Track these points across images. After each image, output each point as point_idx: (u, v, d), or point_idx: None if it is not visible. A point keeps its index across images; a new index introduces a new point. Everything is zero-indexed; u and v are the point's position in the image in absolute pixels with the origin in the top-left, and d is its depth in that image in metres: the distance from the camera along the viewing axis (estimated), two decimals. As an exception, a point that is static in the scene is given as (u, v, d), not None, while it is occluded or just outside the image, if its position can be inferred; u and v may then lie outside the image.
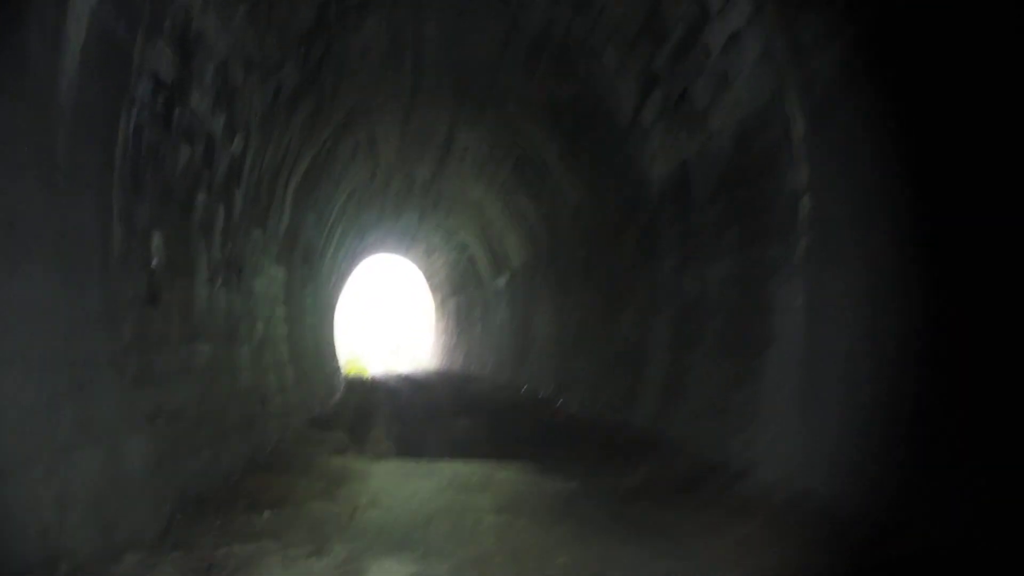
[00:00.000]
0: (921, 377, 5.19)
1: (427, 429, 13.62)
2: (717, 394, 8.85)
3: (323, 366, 18.80)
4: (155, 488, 5.91)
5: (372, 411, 16.78)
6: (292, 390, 12.86)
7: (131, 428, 5.82)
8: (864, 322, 6.11)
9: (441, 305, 39.55)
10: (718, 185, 9.28)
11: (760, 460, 7.19)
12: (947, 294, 5.02)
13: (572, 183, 15.28)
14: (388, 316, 60.38)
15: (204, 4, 7.30)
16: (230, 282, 9.52)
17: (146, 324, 6.60)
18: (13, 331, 4.40)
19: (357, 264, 32.71)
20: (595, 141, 13.27)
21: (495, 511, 6.50)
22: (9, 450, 4.27)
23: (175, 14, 6.75)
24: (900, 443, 5.26)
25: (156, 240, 7.01)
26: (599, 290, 14.57)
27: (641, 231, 12.13)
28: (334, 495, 7.16)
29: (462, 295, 33.34)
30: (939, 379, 5.01)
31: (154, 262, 6.97)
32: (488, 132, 16.51)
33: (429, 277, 39.53)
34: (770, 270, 7.83)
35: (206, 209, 8.47)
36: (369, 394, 21.50)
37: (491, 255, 25.64)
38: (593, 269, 15.11)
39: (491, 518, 6.23)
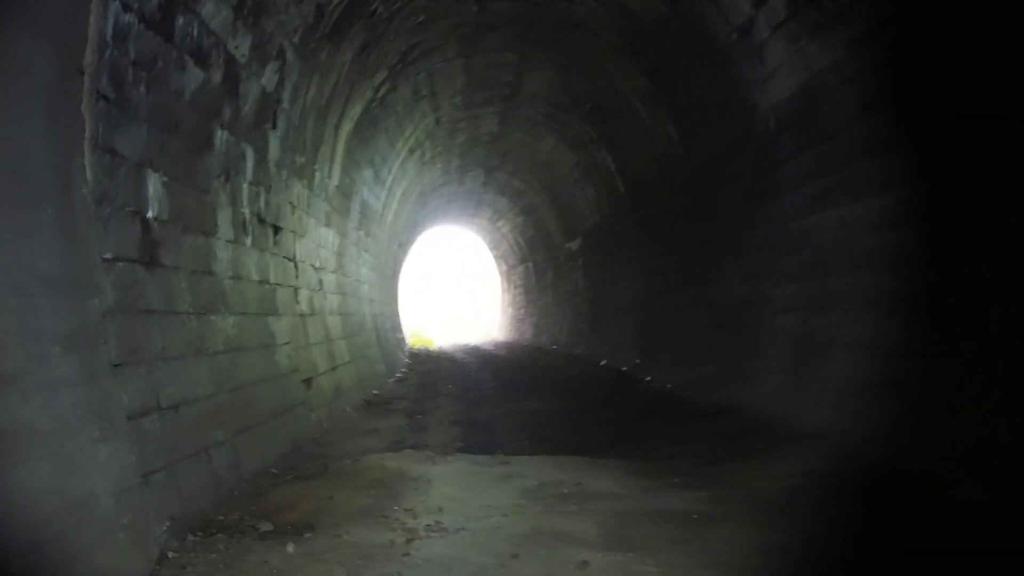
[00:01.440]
0: None
1: (498, 413, 11.94)
2: (877, 368, 6.98)
3: (384, 340, 17.25)
4: (136, 515, 4.27)
5: (436, 389, 15.17)
6: (345, 368, 11.29)
7: (103, 431, 4.19)
8: None
9: (507, 275, 37.88)
10: (865, 103, 7.36)
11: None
12: None
13: (658, 125, 13.37)
14: (454, 287, 59.00)
15: None
16: (263, 243, 7.91)
17: (135, 291, 4.98)
18: None
19: (420, 233, 31.17)
20: (687, 71, 11.36)
21: (602, 546, 4.74)
22: None
23: None
24: None
25: (153, 182, 5.38)
26: (693, 246, 12.69)
27: (750, 170, 10.22)
28: (385, 513, 5.49)
29: (530, 263, 31.58)
30: None
31: (151, 211, 5.34)
32: (559, 73, 14.65)
33: (494, 246, 37.86)
34: (958, 202, 5.93)
35: (229, 151, 6.83)
36: (433, 369, 19.94)
37: (561, 217, 23.81)
38: (683, 222, 13.23)
39: (599, 559, 4.48)
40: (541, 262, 29.41)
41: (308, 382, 8.79)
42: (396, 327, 22.75)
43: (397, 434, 9.49)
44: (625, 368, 16.37)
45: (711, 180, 11.74)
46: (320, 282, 10.41)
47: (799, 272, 8.76)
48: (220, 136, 6.52)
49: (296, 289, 8.93)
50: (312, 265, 10.02)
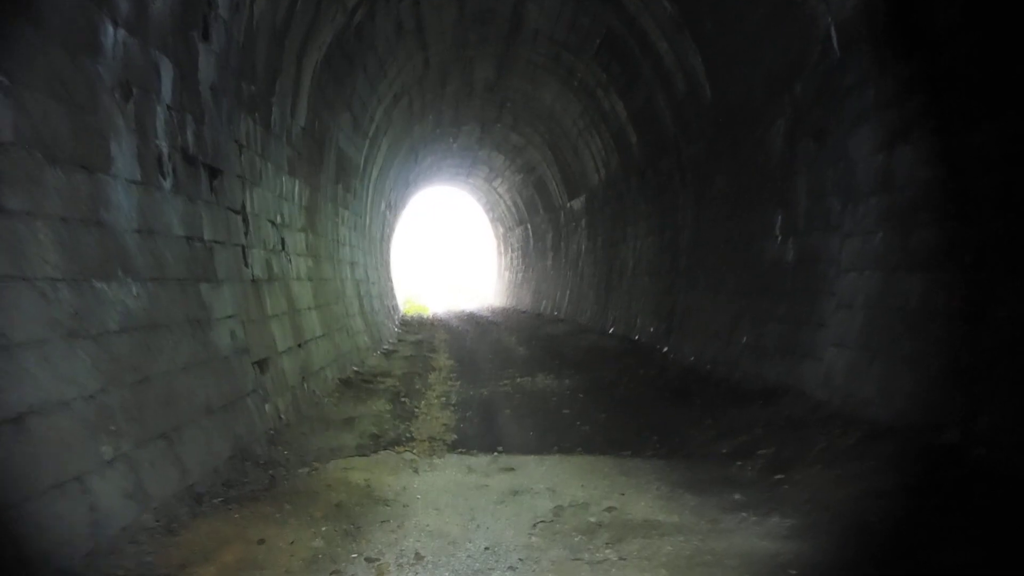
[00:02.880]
0: None
1: (498, 392, 10.24)
2: (983, 345, 5.24)
3: (370, 308, 15.50)
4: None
5: (427, 363, 13.46)
6: (317, 344, 9.56)
7: None
8: None
9: (504, 238, 36.10)
10: (970, 8, 5.58)
11: None
12: None
13: (678, 62, 11.55)
14: (449, 252, 57.30)
15: None
16: (193, 189, 6.13)
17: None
18: None
19: (412, 194, 29.34)
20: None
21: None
22: None
23: None
24: None
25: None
26: (725, 198, 10.92)
27: (804, 104, 8.44)
28: (338, 567, 3.78)
29: (528, 225, 29.80)
30: None
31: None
32: (565, 1, 12.79)
33: (490, 208, 36.05)
34: None
35: (130, 59, 5.02)
36: (426, 339, 18.23)
37: (564, 174, 21.98)
38: (711, 172, 11.45)
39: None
40: (540, 224, 27.63)
41: (262, 364, 7.05)
42: (386, 294, 21.01)
43: (376, 424, 7.79)
44: (638, 337, 14.66)
45: (747, 121, 9.95)
46: (282, 242, 8.65)
47: (874, 223, 7.00)
48: (112, 35, 4.73)
49: (244, 249, 7.16)
50: (270, 221, 8.24)
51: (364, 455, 6.28)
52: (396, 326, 20.19)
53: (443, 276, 54.40)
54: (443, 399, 9.78)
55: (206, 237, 6.26)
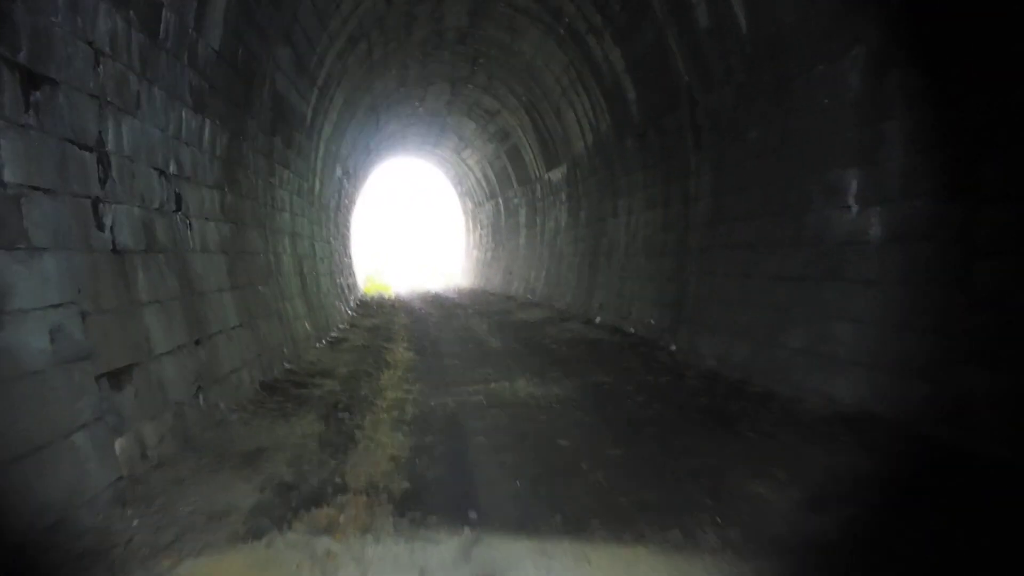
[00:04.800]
0: None
1: (469, 403, 7.87)
2: None
3: (315, 288, 13.07)
4: None
5: (381, 356, 11.09)
6: (229, 337, 7.16)
7: None
8: None
9: (473, 213, 33.70)
10: None
11: None
12: None
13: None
14: (414, 228, 54.80)
15: None
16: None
17: None
18: None
19: (374, 163, 26.83)
20: None
21: None
22: None
23: None
24: None
25: None
26: (760, 157, 8.63)
27: (903, 16, 6.18)
28: None
29: (499, 199, 27.42)
30: None
31: None
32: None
33: (458, 181, 33.62)
34: None
35: None
36: (384, 324, 15.83)
37: (542, 141, 19.62)
38: (742, 124, 9.14)
39: None
40: (513, 198, 25.29)
41: (118, 376, 4.68)
42: (341, 271, 18.56)
43: (294, 460, 5.41)
44: (634, 330, 12.40)
45: (801, 53, 7.66)
46: (177, 199, 6.23)
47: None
48: None
49: (97, 203, 4.77)
50: (157, 168, 5.82)
51: (255, 537, 3.90)
52: (350, 309, 17.76)
53: (408, 254, 51.84)
54: (395, 413, 7.43)
55: (7, 179, 3.86)
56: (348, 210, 22.59)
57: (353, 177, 21.87)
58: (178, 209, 6.33)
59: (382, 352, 11.57)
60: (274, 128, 10.06)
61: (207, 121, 7.15)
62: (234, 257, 7.89)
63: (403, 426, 6.94)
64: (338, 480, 5.16)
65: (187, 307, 6.21)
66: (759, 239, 8.56)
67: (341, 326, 14.34)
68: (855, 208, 6.82)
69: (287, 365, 9.03)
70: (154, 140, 5.86)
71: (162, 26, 5.94)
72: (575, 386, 8.66)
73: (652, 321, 11.70)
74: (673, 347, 10.43)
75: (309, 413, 7.00)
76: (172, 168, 6.24)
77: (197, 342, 6.24)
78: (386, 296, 25.98)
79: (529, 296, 21.46)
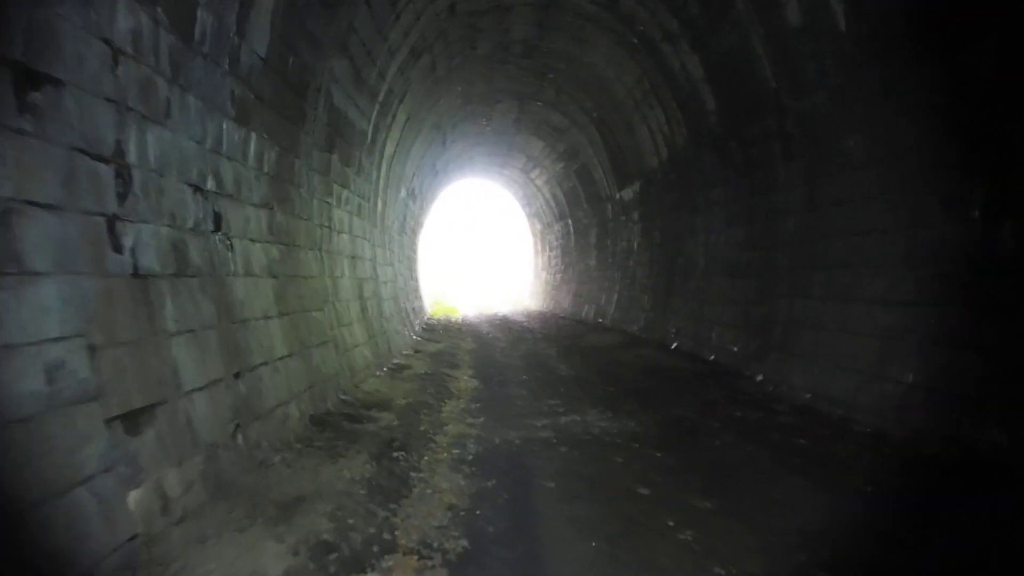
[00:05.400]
0: None
1: (537, 441, 7.14)
2: None
3: (380, 313, 12.50)
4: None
5: (445, 384, 10.46)
6: (276, 368, 6.56)
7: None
8: None
9: (542, 234, 33.04)
10: None
11: None
12: None
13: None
14: (482, 250, 54.39)
15: None
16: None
17: None
18: None
19: (441, 184, 26.34)
20: None
21: None
22: None
23: None
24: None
25: None
26: (863, 167, 7.76)
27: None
28: None
29: (568, 220, 26.71)
30: None
31: None
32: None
33: (527, 203, 33.01)
34: None
35: None
36: (449, 350, 15.21)
37: (613, 159, 18.88)
38: (840, 130, 8.28)
39: None
40: (583, 218, 24.56)
41: (134, 418, 4.06)
42: (406, 295, 18.02)
43: (337, 512, 4.73)
44: (714, 357, 11.56)
45: (914, 46, 6.82)
46: (216, 218, 5.67)
47: None
48: None
49: (114, 221, 4.17)
50: (192, 184, 5.23)
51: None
52: (415, 333, 17.19)
53: (475, 276, 51.40)
54: (455, 451, 6.77)
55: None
56: (414, 232, 22.11)
57: (418, 198, 21.39)
58: (217, 229, 5.76)
59: (445, 380, 10.94)
60: (331, 144, 9.51)
61: (252, 134, 6.59)
62: (284, 281, 7.32)
63: (463, 467, 6.27)
64: (386, 536, 4.50)
65: (225, 336, 5.62)
66: (861, 258, 7.70)
67: (404, 352, 13.75)
68: (982, 222, 5.95)
69: (342, 396, 8.42)
70: (188, 153, 5.30)
71: (197, 28, 5.39)
72: (653, 421, 7.89)
73: (734, 348, 10.85)
74: (759, 377, 9.58)
75: (361, 452, 6.35)
76: (210, 184, 5.67)
77: (237, 375, 5.64)
78: (453, 319, 25.43)
79: (600, 320, 20.69)
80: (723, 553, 4.20)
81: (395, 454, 6.42)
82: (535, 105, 19.26)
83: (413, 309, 19.27)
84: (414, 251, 22.16)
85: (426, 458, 6.48)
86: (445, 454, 6.69)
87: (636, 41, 12.99)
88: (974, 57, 6.02)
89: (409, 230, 20.30)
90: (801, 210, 9.22)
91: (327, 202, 9.55)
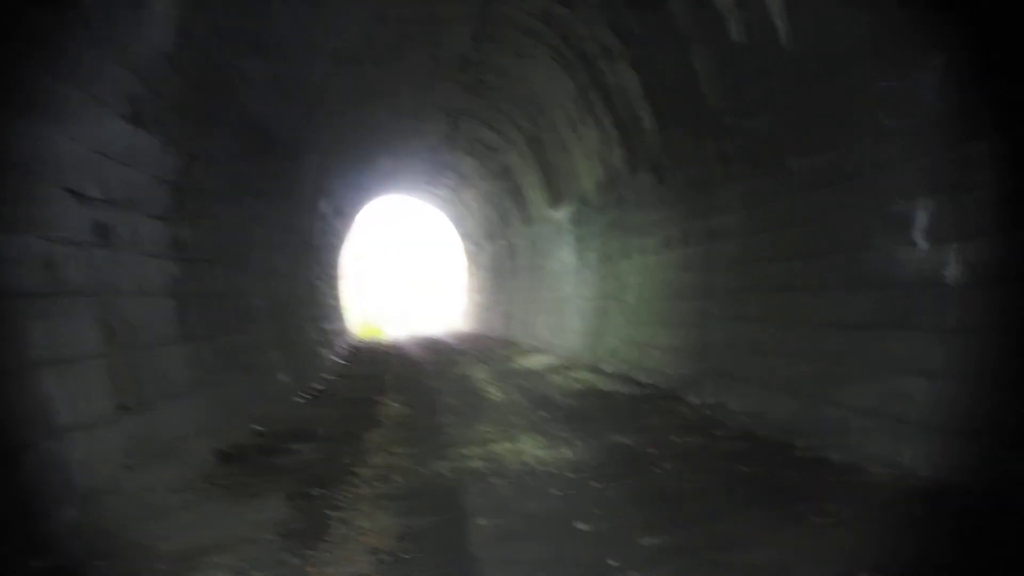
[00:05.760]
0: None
1: (468, 473, 6.55)
2: None
3: (296, 336, 11.80)
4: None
5: (370, 412, 9.83)
6: (177, 401, 5.90)
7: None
8: None
9: (474, 255, 32.52)
10: None
11: None
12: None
13: None
14: (411, 271, 53.63)
15: None
16: None
17: None
18: None
19: (365, 200, 25.58)
20: None
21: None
22: None
23: None
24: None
25: None
26: (806, 190, 7.39)
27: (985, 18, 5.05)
28: None
29: (501, 240, 26.24)
30: None
31: None
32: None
33: (458, 222, 32.45)
34: None
35: None
36: (376, 374, 14.57)
37: (547, 178, 18.47)
38: (783, 152, 7.91)
39: None
40: (515, 238, 24.10)
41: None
42: (327, 316, 17.28)
43: (238, 572, 4.13)
44: (649, 380, 11.17)
45: (861, 67, 6.49)
46: (96, 228, 5.00)
47: None
48: None
49: None
50: (64, 187, 4.53)
51: None
52: (340, 356, 16.49)
53: (405, 297, 50.64)
54: (380, 486, 6.17)
55: None
56: (337, 250, 21.39)
57: (343, 215, 20.70)
58: (106, 243, 5.12)
59: (370, 407, 10.32)
60: (246, 154, 8.89)
61: (150, 137, 5.95)
62: (187, 301, 6.66)
63: (389, 504, 5.70)
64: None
65: (113, 365, 4.97)
66: (803, 281, 7.36)
67: (326, 376, 13.08)
68: (927, 245, 5.66)
69: (256, 427, 7.76)
70: (61, 153, 4.64)
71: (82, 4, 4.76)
72: (589, 449, 7.41)
73: (669, 371, 10.46)
74: (697, 401, 9.18)
75: (274, 490, 5.73)
76: (93, 191, 5.02)
77: (126, 408, 4.98)
78: (381, 341, 24.75)
79: (531, 341, 20.22)
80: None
81: (313, 491, 5.82)
82: (467, 121, 18.76)
83: (337, 331, 18.55)
84: (337, 270, 21.43)
85: (348, 495, 5.88)
86: (369, 489, 6.09)
87: (572, 55, 12.60)
88: (921, 81, 5.73)
89: (332, 248, 19.60)
90: (739, 232, 8.87)
91: (241, 216, 8.90)
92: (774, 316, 7.84)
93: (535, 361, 16.12)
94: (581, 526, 4.98)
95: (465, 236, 32.83)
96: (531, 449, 7.49)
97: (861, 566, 3.95)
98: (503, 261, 26.28)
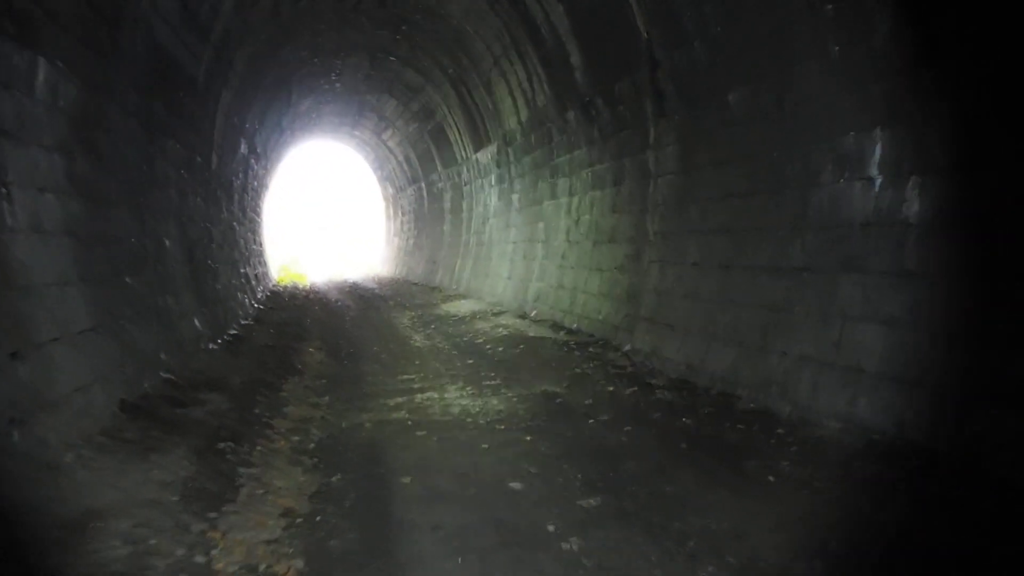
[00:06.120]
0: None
1: (392, 424, 6.27)
2: None
3: (210, 279, 11.24)
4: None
5: (287, 359, 9.44)
6: (71, 346, 5.41)
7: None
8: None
9: (394, 199, 31.92)
10: None
11: None
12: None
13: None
14: (332, 215, 52.66)
15: None
16: None
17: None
18: None
19: (288, 144, 24.79)
20: None
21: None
22: None
23: None
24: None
25: None
26: (745, 125, 7.16)
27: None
28: None
29: (422, 183, 25.71)
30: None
31: None
32: None
33: (379, 166, 31.76)
34: None
35: None
36: (295, 319, 14.11)
37: (470, 119, 18.00)
38: (720, 84, 7.64)
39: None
40: (437, 182, 23.63)
41: None
42: (246, 259, 16.64)
43: (135, 537, 3.70)
44: (577, 326, 10.97)
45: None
46: (32, 169, 4.51)
47: None
48: None
49: None
50: None
51: None
52: (257, 302, 15.92)
53: (326, 242, 49.69)
54: (296, 439, 5.84)
55: None
56: (258, 193, 20.63)
57: (263, 158, 19.91)
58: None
59: (288, 354, 9.90)
60: (154, 88, 8.26)
61: (42, 60, 5.38)
62: (88, 241, 6.14)
63: (304, 459, 5.37)
64: (198, 560, 3.57)
65: (3, 308, 4.49)
66: (744, 223, 7.12)
67: (244, 322, 12.56)
68: (881, 181, 5.41)
69: (164, 375, 7.28)
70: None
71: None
72: (520, 398, 7.15)
73: (600, 316, 10.25)
74: (627, 347, 8.99)
75: (180, 445, 5.32)
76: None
77: (14, 355, 4.52)
78: (300, 287, 24.11)
79: (455, 287, 19.87)
80: (618, 568, 3.47)
81: (222, 445, 5.43)
82: (388, 61, 18.13)
83: (256, 275, 17.92)
84: (257, 213, 20.68)
85: (260, 449, 5.52)
86: (283, 443, 5.75)
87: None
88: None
89: (252, 190, 18.85)
90: (675, 171, 8.61)
91: (149, 152, 8.31)
92: (713, 260, 7.61)
93: (460, 307, 15.80)
94: (515, 485, 4.71)
95: (387, 180, 32.18)
96: (458, 399, 7.21)
97: (825, 534, 3.76)
98: (426, 205, 25.79)
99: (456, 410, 6.77)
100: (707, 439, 5.51)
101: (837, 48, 5.82)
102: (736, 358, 6.77)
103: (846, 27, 5.74)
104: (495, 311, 14.36)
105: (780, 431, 5.47)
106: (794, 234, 6.34)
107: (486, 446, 5.59)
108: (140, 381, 6.62)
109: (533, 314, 12.96)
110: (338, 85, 20.42)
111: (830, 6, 5.83)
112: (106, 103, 6.78)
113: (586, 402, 6.88)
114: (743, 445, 5.29)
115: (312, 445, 5.69)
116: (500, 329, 11.89)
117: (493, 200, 17.70)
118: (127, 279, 7.02)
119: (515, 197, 15.80)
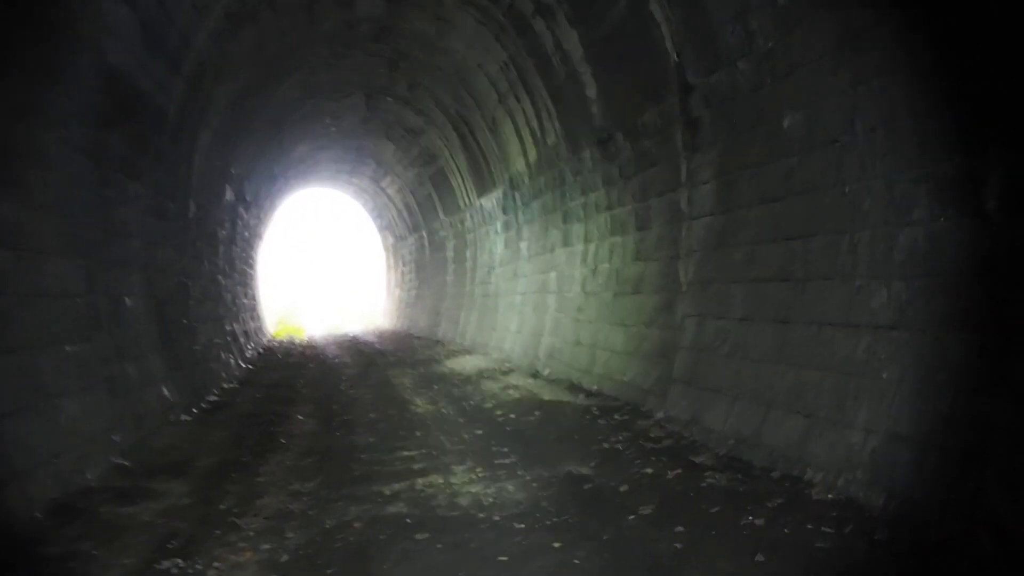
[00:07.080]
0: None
1: (385, 522, 4.98)
2: None
3: (184, 342, 10.04)
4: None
5: (270, 432, 8.21)
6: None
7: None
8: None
9: (394, 248, 30.87)
10: None
11: None
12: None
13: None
14: (331, 266, 51.73)
15: None
16: None
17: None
18: None
19: (283, 191, 23.76)
20: None
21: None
22: None
23: None
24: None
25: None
26: (802, 151, 6.05)
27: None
28: None
29: (423, 232, 24.66)
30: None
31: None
32: None
33: (378, 214, 30.77)
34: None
35: None
36: (287, 379, 12.92)
37: (474, 162, 16.95)
38: (770, 106, 6.56)
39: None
40: (439, 230, 22.57)
41: None
42: (234, 315, 15.45)
43: None
44: (599, 388, 9.73)
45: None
46: None
47: None
48: None
49: None
50: None
51: None
52: (247, 360, 14.71)
53: (324, 293, 48.63)
54: (265, 548, 4.60)
55: None
56: (249, 243, 19.52)
57: (254, 206, 18.84)
58: None
59: (272, 423, 8.69)
60: (109, 120, 7.14)
61: None
62: (11, 300, 4.99)
63: (269, 582, 4.14)
64: None
65: None
66: (806, 267, 5.94)
67: (228, 385, 11.37)
68: (999, 214, 4.23)
69: (116, 460, 6.09)
70: None
71: None
72: (540, 483, 5.92)
73: (625, 378, 9.04)
74: (660, 414, 7.77)
75: (114, 561, 4.11)
76: None
77: None
78: (296, 341, 22.98)
79: (460, 340, 18.69)
80: None
81: (166, 564, 4.21)
82: (386, 101, 17.13)
83: (247, 331, 16.74)
84: (249, 265, 19.56)
85: (217, 566, 4.29)
86: (249, 554, 4.52)
87: (503, 18, 11.08)
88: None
89: (242, 241, 17.73)
90: (713, 211, 7.45)
91: (104, 195, 7.18)
92: (766, 313, 6.42)
93: (466, 364, 14.59)
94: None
95: (387, 228, 31.17)
96: (467, 485, 5.98)
97: None
98: (427, 254, 24.72)
99: (465, 501, 5.55)
100: (788, 546, 4.26)
101: (929, 56, 4.68)
102: (804, 432, 5.55)
103: (939, 28, 4.61)
104: (503, 369, 13.15)
105: (878, 536, 4.22)
106: (876, 281, 5.16)
107: (505, 559, 4.36)
108: (81, 471, 5.44)
109: (546, 373, 11.75)
110: (333, 129, 19.44)
111: (903, 15, 4.71)
112: (38, 132, 5.65)
113: (622, 488, 5.65)
114: (837, 555, 4.05)
115: (286, 557, 4.46)
116: (511, 391, 10.67)
117: (499, 248, 16.58)
118: (67, 347, 5.83)
119: (523, 245, 14.67)
